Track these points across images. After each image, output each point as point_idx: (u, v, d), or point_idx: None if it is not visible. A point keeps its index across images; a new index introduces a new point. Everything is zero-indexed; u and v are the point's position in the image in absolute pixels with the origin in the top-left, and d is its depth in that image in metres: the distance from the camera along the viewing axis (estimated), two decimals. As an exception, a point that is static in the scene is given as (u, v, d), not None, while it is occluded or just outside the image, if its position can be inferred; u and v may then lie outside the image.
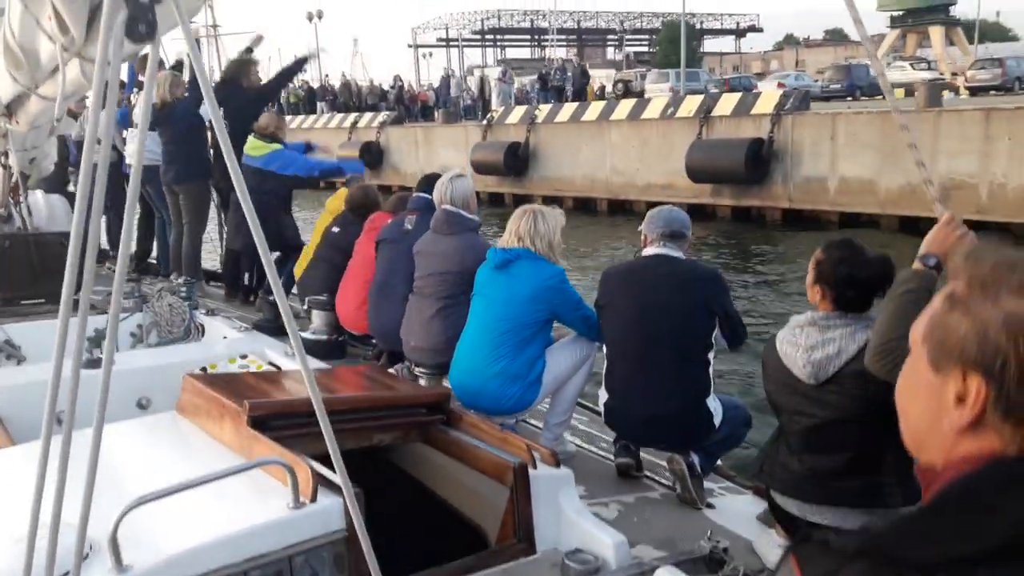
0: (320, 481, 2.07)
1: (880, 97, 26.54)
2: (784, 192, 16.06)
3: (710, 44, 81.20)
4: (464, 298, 3.98)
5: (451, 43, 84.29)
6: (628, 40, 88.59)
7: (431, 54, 79.42)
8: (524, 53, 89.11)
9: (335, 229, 5.61)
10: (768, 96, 16.99)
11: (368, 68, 73.30)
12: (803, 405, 2.71)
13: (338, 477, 1.62)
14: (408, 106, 29.69)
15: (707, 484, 3.53)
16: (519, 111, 22.03)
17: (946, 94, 29.76)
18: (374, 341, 5.10)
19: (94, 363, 3.02)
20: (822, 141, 15.47)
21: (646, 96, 27.35)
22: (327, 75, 32.72)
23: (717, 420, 3.45)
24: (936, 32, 53.71)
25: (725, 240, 16.05)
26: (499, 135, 21.89)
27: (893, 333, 2.14)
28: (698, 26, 78.89)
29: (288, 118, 31.39)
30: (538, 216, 3.77)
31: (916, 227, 14.37)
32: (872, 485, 2.60)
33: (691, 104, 17.90)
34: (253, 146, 6.28)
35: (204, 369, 3.82)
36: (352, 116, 27.81)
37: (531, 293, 3.66)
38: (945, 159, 13.75)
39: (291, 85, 36.58)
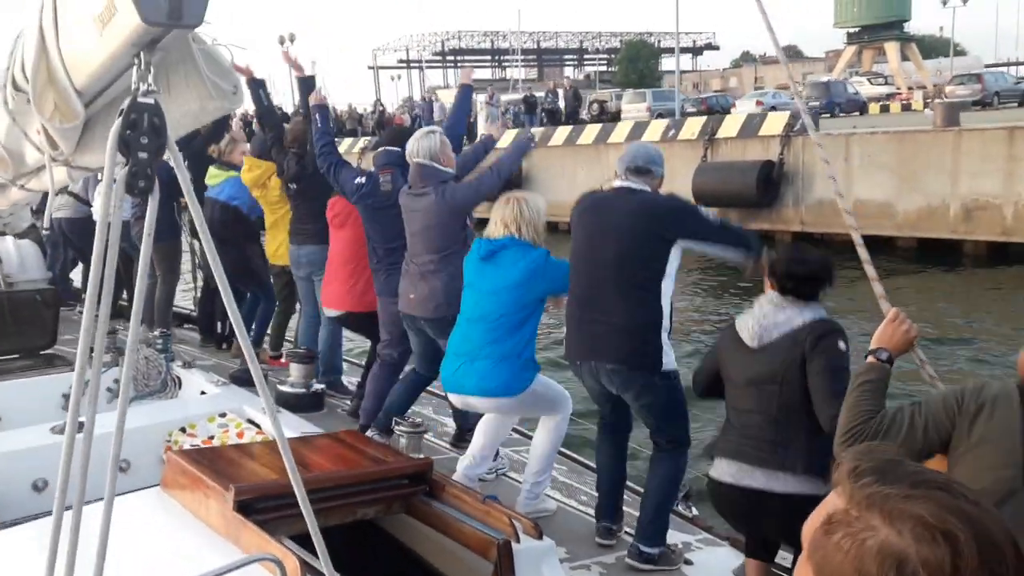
0: (308, 569, 2.05)
1: (881, 114, 26.39)
2: (796, 215, 15.52)
3: (668, 62, 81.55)
4: (456, 247, 4.02)
5: (412, 64, 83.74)
6: (587, 60, 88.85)
7: (400, 76, 78.48)
8: (485, 73, 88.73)
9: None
10: (775, 117, 16.49)
11: (329, 90, 72.01)
12: (742, 364, 3.01)
13: (324, 567, 1.69)
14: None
15: (684, 537, 3.63)
16: (510, 135, 21.25)
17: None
18: (351, 387, 5.21)
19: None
20: (835, 162, 14.95)
21: (623, 116, 26.88)
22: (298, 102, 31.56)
23: (666, 362, 3.38)
24: (891, 48, 54.42)
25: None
26: (488, 159, 21.10)
27: (855, 420, 2.28)
28: (657, 44, 79.25)
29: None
30: (522, 203, 3.80)
31: (936, 249, 13.95)
32: (784, 451, 2.91)
33: (694, 126, 17.34)
34: (210, 175, 6.13)
35: (184, 429, 3.83)
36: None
37: (519, 278, 3.67)
38: (967, 179, 13.33)
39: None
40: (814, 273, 3.06)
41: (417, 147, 4.23)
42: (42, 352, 5.26)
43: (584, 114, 27.20)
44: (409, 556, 2.75)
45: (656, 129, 17.97)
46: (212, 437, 3.95)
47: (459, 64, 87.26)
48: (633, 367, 3.39)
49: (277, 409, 4.35)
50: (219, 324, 6.94)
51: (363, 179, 4.73)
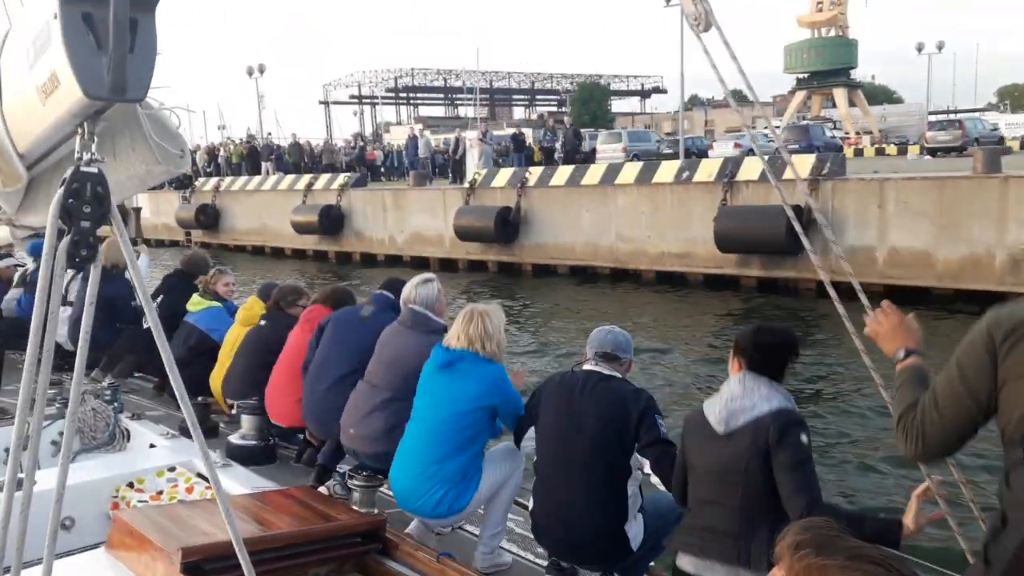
0: None
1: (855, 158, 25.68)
2: (824, 263, 14.51)
3: (617, 104, 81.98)
4: (411, 396, 3.85)
5: (364, 100, 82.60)
6: (538, 100, 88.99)
7: (361, 111, 76.93)
8: (438, 111, 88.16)
9: (262, 323, 5.38)
10: (799, 161, 15.61)
11: (280, 125, 70.39)
12: (707, 456, 2.91)
13: None
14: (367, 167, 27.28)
15: None
16: (505, 174, 20.06)
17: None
18: (303, 437, 4.87)
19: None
20: (868, 209, 14.11)
21: (597, 157, 25.93)
22: (269, 133, 29.95)
23: (635, 544, 3.38)
24: (840, 94, 55.49)
25: (752, 308, 14.50)
26: (483, 199, 19.81)
27: (901, 408, 2.22)
28: (607, 86, 79.71)
29: (229, 179, 28.45)
30: (486, 318, 3.71)
31: (979, 301, 13.11)
32: (747, 546, 2.79)
33: (710, 168, 16.36)
34: (193, 301, 6.21)
35: (131, 484, 3.75)
36: (306, 177, 25.14)
37: (473, 390, 3.62)
38: (1015, 227, 12.55)
39: (232, 142, 33.58)
40: (779, 344, 3.02)
41: (415, 293, 4.19)
42: None
43: (557, 155, 26.25)
44: None
45: (669, 171, 16.95)
46: (161, 492, 3.83)
47: (411, 101, 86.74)
48: (605, 568, 3.45)
49: (221, 462, 4.00)
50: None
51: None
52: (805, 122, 36.64)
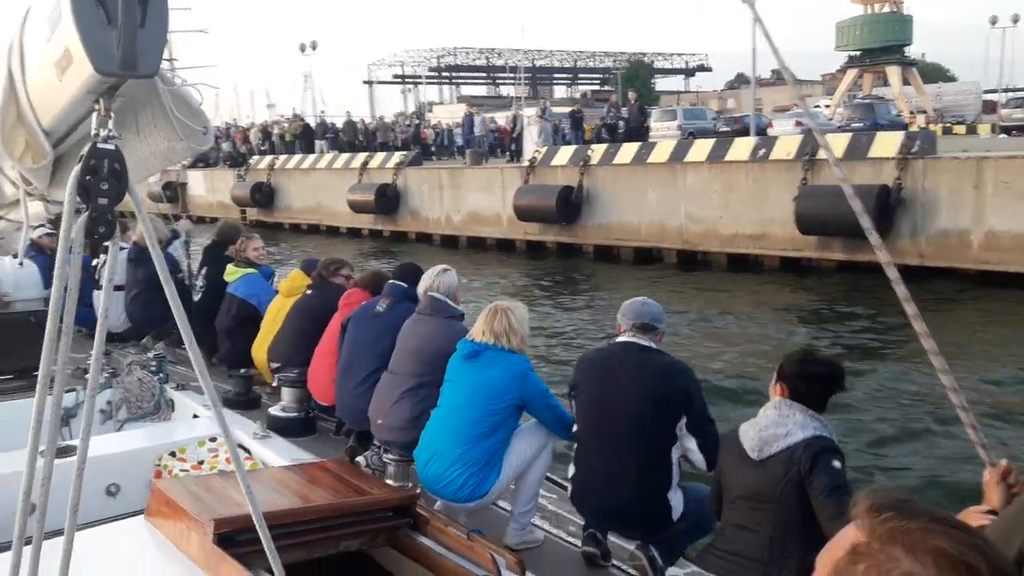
0: None
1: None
2: (913, 247, 13.70)
3: (662, 83, 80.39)
4: (435, 381, 3.85)
5: (407, 80, 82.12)
6: (581, 78, 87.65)
7: (405, 91, 76.42)
8: (480, 90, 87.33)
9: (309, 292, 5.37)
10: (886, 138, 14.70)
11: (326, 104, 70.16)
12: (741, 478, 2.87)
13: None
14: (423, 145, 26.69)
15: (674, 572, 3.46)
16: (567, 151, 19.35)
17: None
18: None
19: (61, 451, 3.11)
20: (963, 190, 13.19)
21: (650, 135, 25.04)
22: (323, 111, 29.51)
23: (676, 514, 3.40)
24: (893, 72, 53.49)
25: (834, 297, 13.69)
26: (544, 178, 19.15)
27: None
28: (651, 64, 78.17)
29: (283, 157, 28.11)
30: (510, 314, 3.72)
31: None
32: (776, 572, 2.74)
33: (788, 145, 15.50)
34: (228, 272, 6.24)
35: (174, 453, 3.84)
36: (362, 156, 24.66)
37: (499, 381, 3.62)
38: None
39: (286, 120, 33.26)
40: (825, 376, 2.95)
41: (436, 282, 4.23)
42: (35, 373, 4.19)
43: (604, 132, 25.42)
44: None
45: (743, 148, 16.12)
46: (201, 462, 3.86)
47: (454, 80, 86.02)
48: (645, 536, 3.41)
49: (261, 433, 3.96)
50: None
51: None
52: (869, 100, 35.22)
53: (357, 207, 23.24)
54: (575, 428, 3.61)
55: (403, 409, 3.97)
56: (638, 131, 20.87)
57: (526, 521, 3.71)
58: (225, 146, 31.49)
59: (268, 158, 28.15)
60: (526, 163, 19.83)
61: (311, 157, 26.97)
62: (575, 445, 3.61)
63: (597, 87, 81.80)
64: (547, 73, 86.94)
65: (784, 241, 15.23)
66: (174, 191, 30.73)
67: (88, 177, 1.37)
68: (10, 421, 4.06)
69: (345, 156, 25.53)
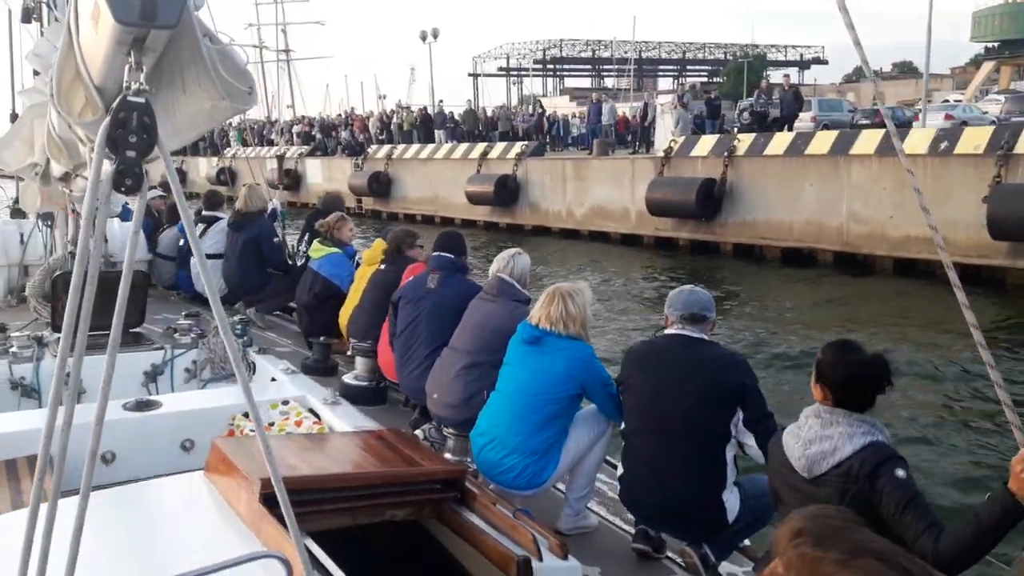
0: (319, 570, 2.03)
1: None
2: None
3: (775, 75, 76.85)
4: (495, 361, 3.69)
5: (512, 72, 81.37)
6: (688, 71, 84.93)
7: (509, 83, 75.64)
8: (583, 83, 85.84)
9: (383, 266, 5.28)
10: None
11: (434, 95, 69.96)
12: (795, 497, 2.62)
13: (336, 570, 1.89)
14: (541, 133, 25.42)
15: (729, 567, 3.31)
16: (708, 141, 17.71)
17: None
18: None
19: (143, 404, 3.77)
20: None
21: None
22: (441, 100, 28.66)
23: (731, 516, 3.18)
24: (1036, 64, 49.17)
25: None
26: (680, 169, 17.60)
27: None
28: (765, 56, 74.92)
29: (401, 147, 27.39)
30: (567, 298, 3.53)
31: None
32: None
33: (977, 137, 13.49)
34: (314, 248, 6.21)
35: (246, 414, 3.79)
36: (481, 146, 23.62)
37: (561, 369, 3.45)
38: None
39: (404, 110, 32.68)
40: (870, 377, 2.55)
41: (511, 264, 4.09)
42: (131, 330, 5.30)
43: (732, 121, 23.51)
44: (437, 562, 2.64)
45: (921, 139, 14.17)
46: (272, 424, 3.90)
47: (558, 72, 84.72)
48: (698, 538, 3.25)
49: (332, 400, 4.31)
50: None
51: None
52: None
53: (475, 198, 22.23)
54: (622, 426, 3.45)
55: (457, 387, 3.87)
56: (790, 120, 18.97)
57: (580, 507, 3.57)
58: (344, 135, 31.08)
59: (386, 147, 27.50)
60: (660, 153, 18.31)
61: (429, 147, 26.12)
62: (623, 444, 3.44)
63: (705, 79, 78.94)
64: (653, 65, 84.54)
65: (967, 247, 13.23)
66: (293, 178, 30.61)
67: (117, 130, 1.35)
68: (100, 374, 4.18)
69: (464, 146, 24.55)
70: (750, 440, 3.16)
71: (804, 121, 25.64)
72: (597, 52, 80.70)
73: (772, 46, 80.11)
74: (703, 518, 3.18)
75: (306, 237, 7.01)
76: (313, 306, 5.88)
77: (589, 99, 29.43)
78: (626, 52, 74.01)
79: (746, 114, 22.93)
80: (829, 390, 2.56)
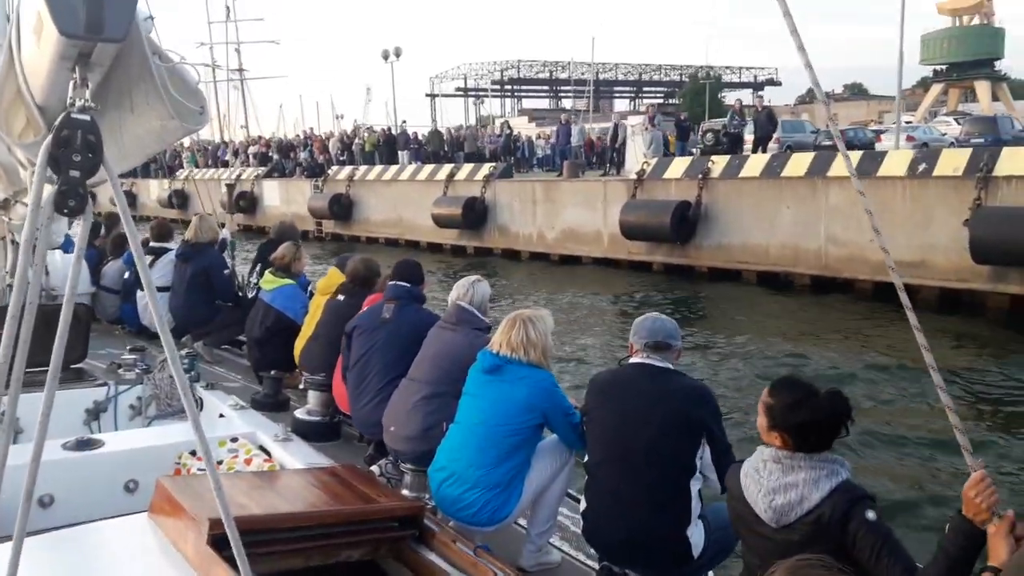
0: None
1: None
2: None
3: (729, 97, 77.94)
4: (454, 391, 3.58)
5: (469, 92, 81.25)
6: (644, 92, 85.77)
7: (483, 102, 75.37)
8: (541, 103, 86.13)
9: (340, 297, 5.03)
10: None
11: (391, 116, 69.48)
12: (764, 545, 2.52)
13: None
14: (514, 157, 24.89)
15: None
16: (681, 163, 17.40)
17: None
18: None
19: (83, 444, 3.60)
20: None
21: (744, 147, 22.89)
22: (404, 120, 27.98)
23: (696, 551, 3.08)
24: (982, 87, 50.52)
25: (1008, 340, 11.51)
26: (653, 192, 17.25)
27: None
28: (720, 78, 75.97)
29: (364, 168, 26.67)
30: (528, 324, 3.45)
31: None
32: None
33: (954, 160, 13.35)
34: (265, 279, 5.91)
35: (194, 452, 3.78)
36: (448, 167, 23.04)
37: (522, 398, 3.34)
38: None
39: (365, 130, 31.95)
40: (830, 418, 2.43)
41: (471, 292, 3.96)
42: (72, 366, 5.16)
43: (697, 142, 23.33)
44: None
45: (899, 162, 14.00)
46: (221, 462, 3.82)
47: (516, 93, 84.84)
48: (667, 571, 3.14)
49: (282, 436, 4.14)
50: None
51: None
52: (993, 114, 32.50)
53: (442, 221, 21.63)
54: (586, 458, 3.31)
55: (415, 418, 3.74)
56: (765, 142, 18.78)
57: (542, 542, 3.47)
58: (303, 155, 30.22)
59: (348, 168, 26.73)
60: (633, 176, 17.95)
61: (393, 168, 25.42)
62: (586, 477, 3.29)
63: (661, 100, 79.72)
64: (607, 86, 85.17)
65: (947, 271, 13.07)
66: (248, 201, 29.64)
67: (61, 149, 1.30)
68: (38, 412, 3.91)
69: (430, 167, 23.92)
70: (713, 475, 3.09)
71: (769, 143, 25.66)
72: (555, 73, 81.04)
73: (727, 67, 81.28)
74: (667, 551, 3.07)
75: (257, 268, 6.75)
76: (264, 339, 5.64)
77: (557, 120, 29.15)
78: (583, 73, 74.52)
79: (709, 135, 22.90)
80: (789, 437, 2.45)
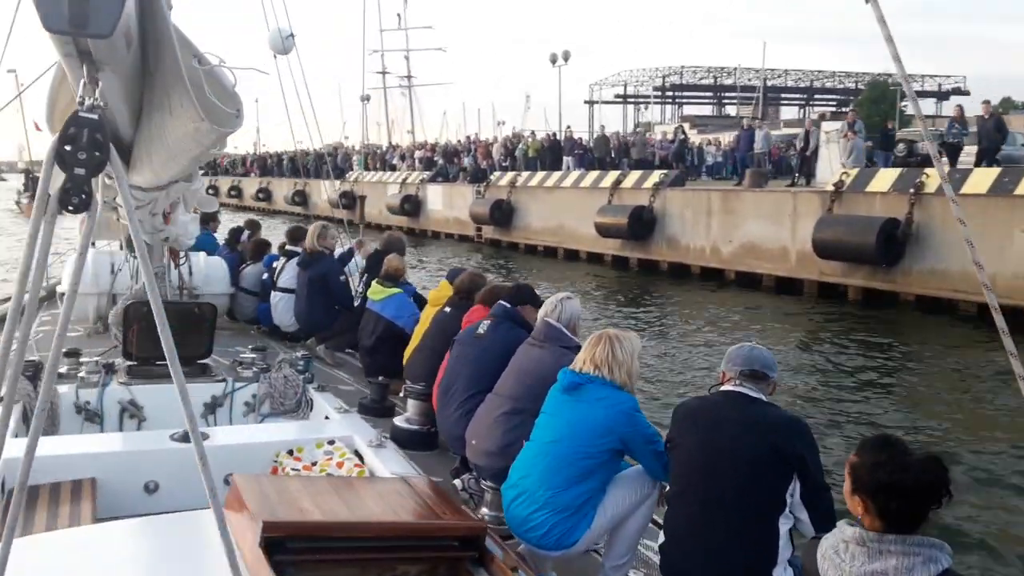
0: None
1: None
2: None
3: (911, 106, 71.68)
4: (536, 409, 3.45)
5: (628, 99, 79.50)
6: (816, 100, 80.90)
7: (638, 107, 74.04)
8: (704, 110, 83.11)
9: (447, 309, 5.08)
10: None
11: (549, 123, 69.05)
12: None
13: None
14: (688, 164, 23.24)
15: None
16: (888, 175, 15.20)
17: None
18: None
19: (187, 437, 3.68)
20: None
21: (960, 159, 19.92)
22: (569, 126, 26.89)
23: None
24: None
25: None
26: (853, 206, 15.15)
27: None
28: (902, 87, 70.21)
29: (526, 174, 25.82)
30: (615, 342, 3.32)
31: None
32: None
33: None
34: (373, 290, 6.03)
35: (291, 452, 3.94)
36: (614, 174, 21.71)
37: (599, 420, 3.19)
38: None
39: (532, 135, 31.28)
40: (927, 483, 2.03)
41: (560, 308, 3.88)
42: (198, 361, 5.34)
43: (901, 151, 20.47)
44: None
45: None
46: (315, 463, 3.88)
47: (677, 100, 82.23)
48: None
49: (377, 442, 4.12)
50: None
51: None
52: None
53: (605, 231, 20.31)
54: (667, 488, 3.10)
55: (495, 433, 3.62)
56: (992, 154, 16.17)
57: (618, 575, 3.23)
58: (466, 160, 29.82)
59: (510, 174, 25.97)
60: (829, 187, 15.88)
61: (556, 174, 24.39)
62: (665, 508, 3.09)
63: (834, 108, 74.68)
64: (777, 93, 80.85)
65: None
66: (413, 204, 29.59)
67: (66, 147, 1.32)
68: (164, 403, 4.56)
69: (595, 174, 22.68)
70: (804, 516, 2.84)
71: (970, 155, 22.53)
72: (719, 79, 77.93)
73: (908, 75, 74.98)
74: None
75: (363, 278, 6.87)
76: (374, 347, 5.78)
77: (723, 126, 27.13)
78: (750, 79, 70.94)
79: (901, 146, 20.24)
80: (871, 502, 2.06)
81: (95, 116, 1.30)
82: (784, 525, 2.84)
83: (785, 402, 9.46)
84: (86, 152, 1.28)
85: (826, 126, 19.65)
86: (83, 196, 1.31)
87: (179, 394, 1.49)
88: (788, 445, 2.82)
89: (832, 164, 17.49)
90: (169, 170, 2.45)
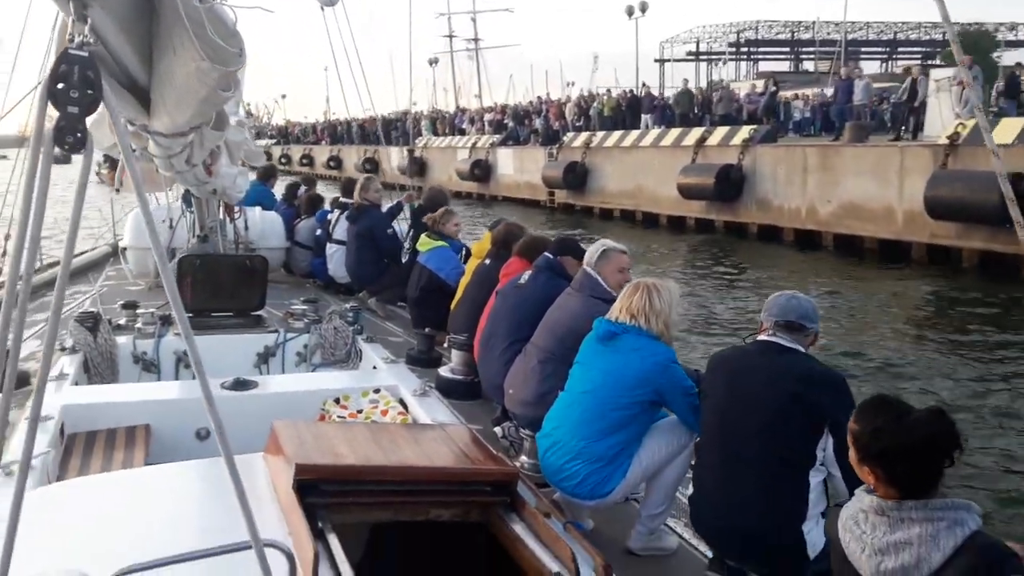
0: (329, 566, 1.93)
1: None
2: None
3: (1007, 56, 67.17)
4: (566, 359, 3.44)
5: (701, 56, 76.60)
6: (899, 53, 76.47)
7: (711, 64, 71.40)
8: (780, 66, 79.48)
9: (487, 262, 5.18)
10: None
11: (619, 82, 66.94)
12: None
13: (344, 565, 1.80)
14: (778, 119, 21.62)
15: None
16: (1012, 125, 13.55)
17: None
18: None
19: (240, 384, 3.89)
20: None
21: None
22: (644, 83, 25.50)
23: (813, 550, 2.70)
24: None
25: None
26: (971, 161, 13.55)
27: None
28: (995, 36, 65.68)
29: (601, 134, 24.54)
30: (653, 291, 3.23)
31: None
32: None
33: None
34: (421, 242, 6.17)
35: (338, 400, 4.00)
36: (698, 131, 20.33)
37: (635, 371, 3.13)
38: None
39: (607, 92, 29.94)
40: (930, 438, 1.90)
41: (597, 256, 3.81)
42: (252, 313, 5.57)
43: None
44: (475, 567, 2.56)
45: None
46: (360, 411, 3.94)
47: (752, 56, 78.80)
48: (772, 571, 2.87)
49: (421, 390, 4.04)
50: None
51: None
52: None
53: (690, 192, 19.04)
54: (696, 439, 3.09)
55: (532, 383, 3.66)
56: None
57: (655, 525, 3.22)
58: (537, 122, 28.68)
59: (584, 135, 24.77)
60: (943, 140, 14.28)
61: (634, 133, 23.08)
62: (693, 459, 3.08)
63: (919, 62, 70.37)
64: (856, 47, 76.63)
65: None
66: (483, 169, 28.70)
67: (58, 84, 1.29)
68: (220, 353, 4.69)
69: (676, 131, 21.31)
70: (837, 473, 2.68)
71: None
72: (796, 34, 74.31)
73: (1003, 24, 69.91)
74: (777, 548, 2.76)
75: (411, 233, 6.98)
76: (420, 299, 5.90)
77: (836, 75, 25.16)
78: (829, 33, 67.32)
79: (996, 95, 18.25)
80: (880, 470, 1.93)
81: (85, 53, 1.28)
82: (815, 478, 2.74)
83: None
84: (78, 90, 1.28)
85: (935, 74, 17.80)
86: (78, 135, 1.29)
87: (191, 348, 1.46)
88: (812, 396, 2.72)
89: (943, 116, 15.77)
90: (182, 113, 2.32)
